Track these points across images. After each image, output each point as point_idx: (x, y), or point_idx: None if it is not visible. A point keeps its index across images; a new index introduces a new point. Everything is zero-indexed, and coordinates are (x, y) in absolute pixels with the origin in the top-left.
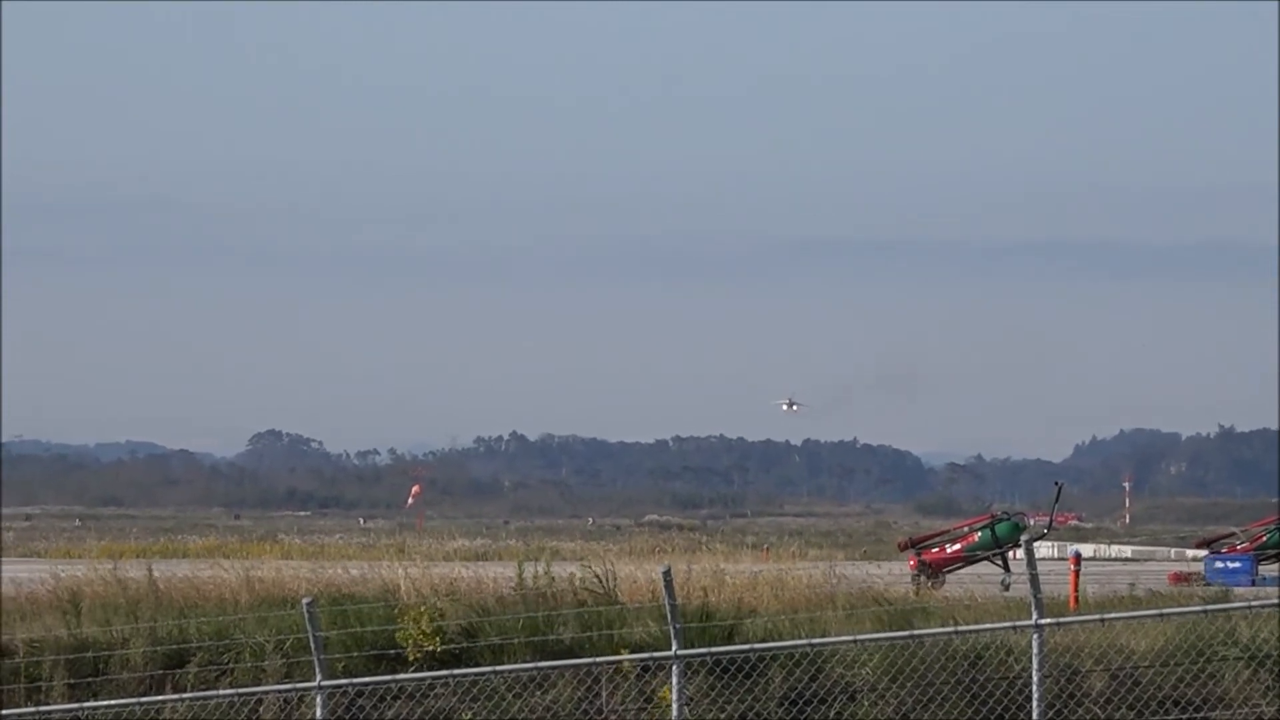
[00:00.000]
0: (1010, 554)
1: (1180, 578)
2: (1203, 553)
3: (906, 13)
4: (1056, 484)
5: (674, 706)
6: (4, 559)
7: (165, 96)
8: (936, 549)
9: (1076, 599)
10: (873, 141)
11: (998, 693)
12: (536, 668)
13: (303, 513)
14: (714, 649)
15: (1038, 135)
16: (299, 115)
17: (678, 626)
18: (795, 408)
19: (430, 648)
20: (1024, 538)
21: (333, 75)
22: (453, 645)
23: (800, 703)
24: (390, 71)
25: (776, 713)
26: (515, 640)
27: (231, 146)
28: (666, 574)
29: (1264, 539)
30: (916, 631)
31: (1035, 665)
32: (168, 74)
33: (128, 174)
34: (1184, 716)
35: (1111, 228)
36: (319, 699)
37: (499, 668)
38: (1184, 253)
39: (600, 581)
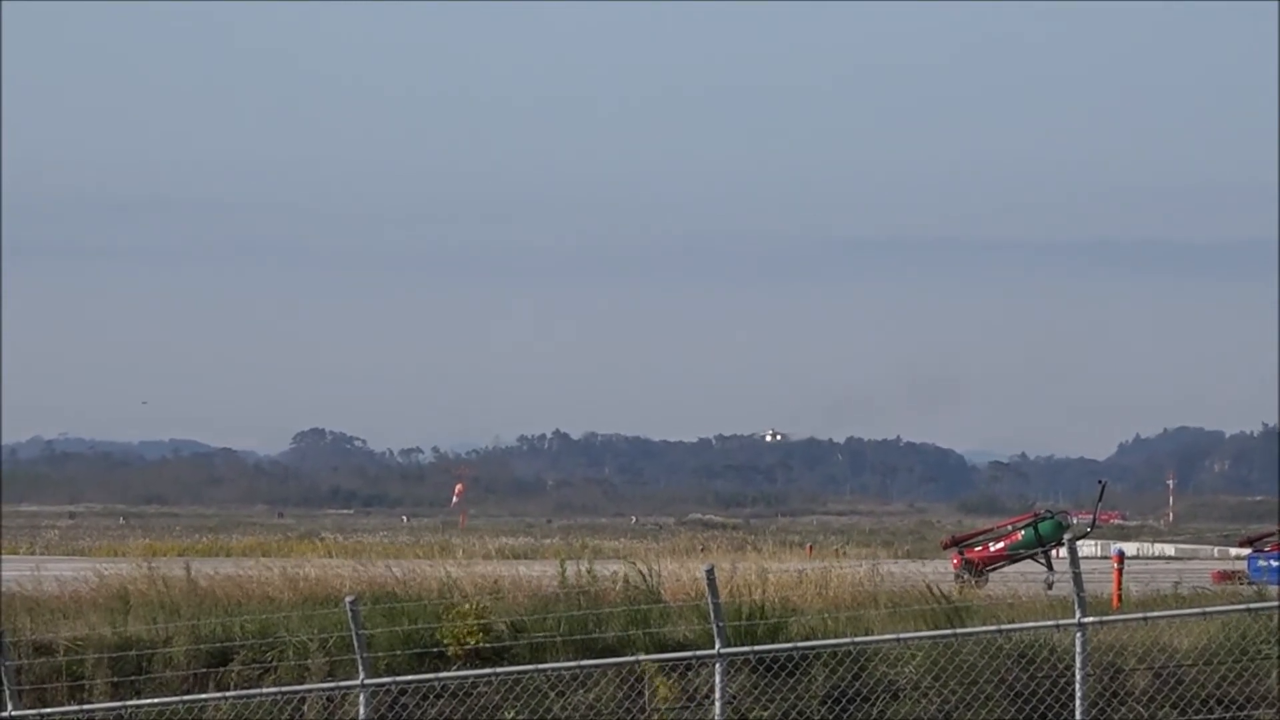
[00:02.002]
0: (1054, 552)
1: (1224, 576)
2: (1246, 551)
3: (907, 13)
4: (1100, 482)
5: (716, 704)
6: (49, 557)
7: (165, 96)
8: (980, 547)
9: (1120, 597)
10: (873, 142)
11: (1040, 691)
12: (579, 666)
13: (346, 511)
14: (757, 647)
15: (1038, 135)
16: (299, 115)
17: (720, 625)
18: (779, 437)
19: (474, 644)
20: (1067, 536)
21: (333, 75)
22: (495, 643)
23: (843, 701)
24: (390, 71)
25: (819, 711)
26: (557, 638)
27: (232, 146)
28: (710, 572)
29: None
30: (960, 630)
31: (1078, 664)
32: (167, 74)
33: (128, 174)
34: (1227, 715)
35: (1151, 226)
36: (362, 697)
37: (541, 666)
38: (1228, 250)
39: (644, 579)
